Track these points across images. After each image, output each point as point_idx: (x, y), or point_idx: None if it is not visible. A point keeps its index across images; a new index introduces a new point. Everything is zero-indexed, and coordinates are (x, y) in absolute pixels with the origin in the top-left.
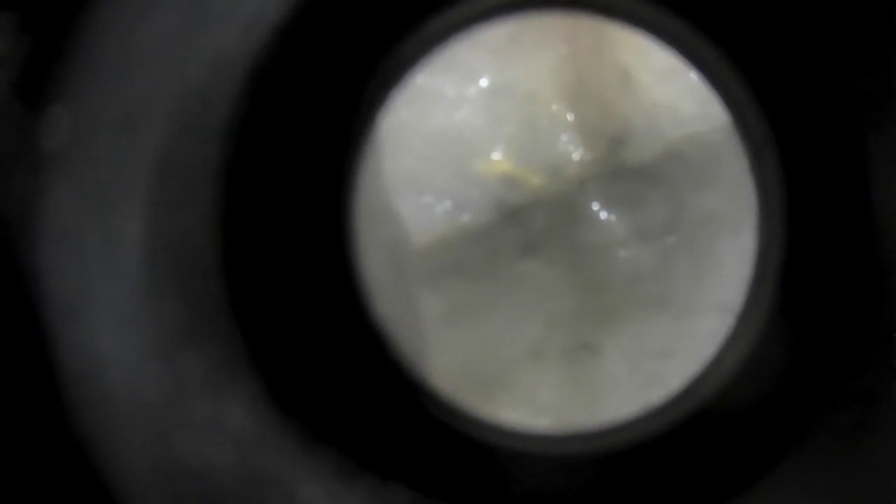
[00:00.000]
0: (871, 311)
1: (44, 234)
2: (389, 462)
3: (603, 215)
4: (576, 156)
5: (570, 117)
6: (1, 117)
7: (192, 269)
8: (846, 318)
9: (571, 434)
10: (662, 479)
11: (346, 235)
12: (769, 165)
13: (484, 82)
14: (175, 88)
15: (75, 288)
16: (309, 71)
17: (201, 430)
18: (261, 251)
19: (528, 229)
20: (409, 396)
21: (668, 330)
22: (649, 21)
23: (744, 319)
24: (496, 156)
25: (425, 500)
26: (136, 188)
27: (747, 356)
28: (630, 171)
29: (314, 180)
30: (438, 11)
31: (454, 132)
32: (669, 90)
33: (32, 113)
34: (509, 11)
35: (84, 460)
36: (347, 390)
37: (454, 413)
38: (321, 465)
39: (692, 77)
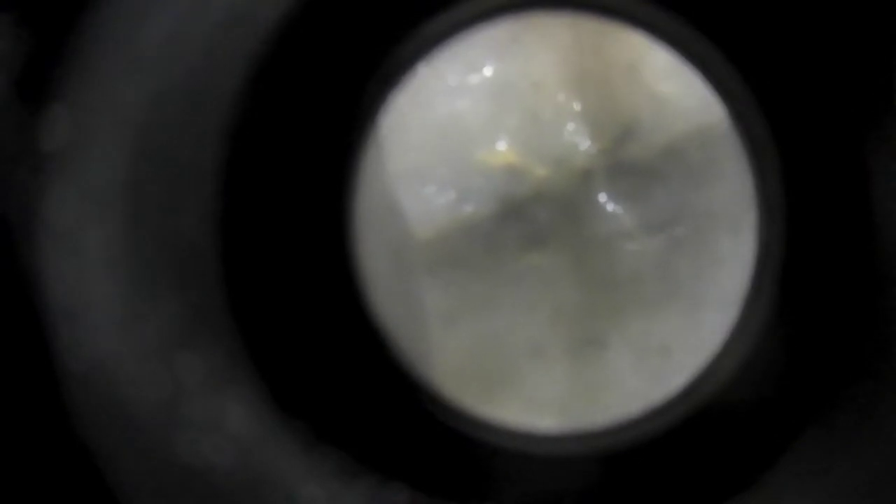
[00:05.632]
0: (871, 311)
1: (44, 234)
2: (390, 462)
3: (610, 207)
4: (582, 146)
5: (576, 107)
6: (1, 117)
7: (192, 269)
8: (846, 318)
9: (572, 434)
10: (663, 478)
11: (346, 235)
12: (769, 166)
13: (488, 71)
14: (175, 88)
15: (75, 288)
16: (309, 71)
17: (201, 430)
18: (260, 251)
19: (532, 221)
20: (409, 396)
21: (674, 324)
22: (650, 21)
23: (744, 319)
24: (500, 146)
25: (425, 500)
26: (135, 188)
27: (747, 356)
28: (637, 162)
29: (315, 180)
30: (439, 11)
31: (456, 122)
32: (677, 81)
33: (32, 113)
34: (511, 11)
35: (84, 460)
36: (347, 390)
37: (455, 413)
38: (321, 464)
39: None
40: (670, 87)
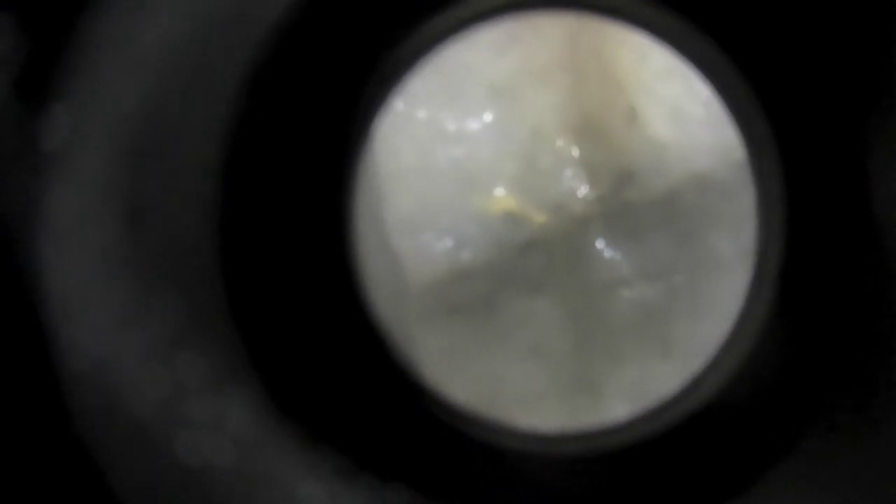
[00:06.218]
0: (871, 312)
1: (44, 234)
2: (389, 462)
3: (608, 254)
4: (580, 192)
5: (574, 153)
6: (1, 117)
7: (191, 270)
8: (846, 319)
9: (571, 434)
10: (663, 478)
11: (344, 235)
12: (770, 166)
13: (487, 117)
14: (174, 89)
15: (75, 288)
16: (307, 72)
17: (201, 430)
18: (260, 251)
19: (530, 268)
20: (408, 396)
21: (670, 373)
22: (650, 22)
23: (743, 320)
24: (498, 192)
25: (425, 500)
26: (135, 188)
27: (747, 356)
28: (636, 208)
29: (313, 180)
30: (438, 12)
31: (454, 168)
32: (676, 127)
33: (32, 113)
34: (508, 11)
35: (84, 461)
36: (347, 390)
37: (454, 413)
38: (321, 464)
39: (699, 113)
40: (669, 134)
